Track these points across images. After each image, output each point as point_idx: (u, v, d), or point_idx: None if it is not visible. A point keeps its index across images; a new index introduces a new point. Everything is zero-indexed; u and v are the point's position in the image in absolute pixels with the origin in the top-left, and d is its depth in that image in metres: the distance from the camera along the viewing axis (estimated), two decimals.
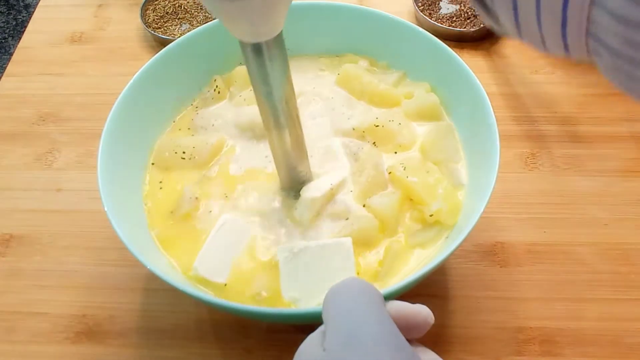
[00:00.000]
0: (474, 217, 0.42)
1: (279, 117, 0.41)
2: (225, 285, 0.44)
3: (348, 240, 0.44)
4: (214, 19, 0.61)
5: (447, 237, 0.46)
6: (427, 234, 0.47)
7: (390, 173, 0.49)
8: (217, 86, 0.56)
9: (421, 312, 0.32)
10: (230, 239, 0.46)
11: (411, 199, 0.48)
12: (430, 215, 0.46)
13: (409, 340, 0.32)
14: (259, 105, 0.40)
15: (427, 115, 0.53)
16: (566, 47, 0.23)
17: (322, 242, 0.45)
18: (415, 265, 0.46)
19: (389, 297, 0.38)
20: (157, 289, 0.55)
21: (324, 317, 0.30)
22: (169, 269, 0.46)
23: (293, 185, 0.48)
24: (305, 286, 0.43)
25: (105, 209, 0.43)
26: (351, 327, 0.28)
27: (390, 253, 0.46)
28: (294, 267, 0.43)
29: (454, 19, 0.75)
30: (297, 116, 0.42)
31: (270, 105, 0.40)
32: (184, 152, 0.51)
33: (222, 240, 0.46)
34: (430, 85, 0.55)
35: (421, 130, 0.53)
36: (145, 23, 0.76)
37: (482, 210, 0.42)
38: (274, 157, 0.45)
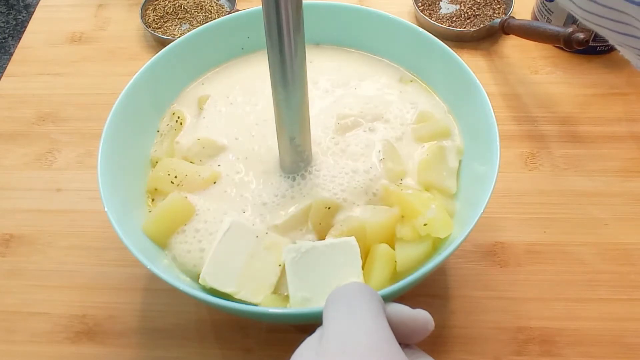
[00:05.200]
0: (474, 218, 0.41)
1: (287, 71, 0.40)
2: (236, 292, 0.44)
3: (352, 239, 0.44)
4: (213, 19, 0.61)
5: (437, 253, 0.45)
6: (418, 247, 0.45)
7: (384, 188, 0.48)
8: (178, 117, 0.54)
9: (421, 317, 0.31)
10: (237, 244, 0.46)
11: (403, 216, 0.47)
12: (425, 225, 0.45)
13: (408, 345, 0.32)
14: (269, 56, 0.40)
15: (435, 136, 0.52)
16: None
17: (329, 241, 0.45)
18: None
19: (388, 298, 0.38)
20: (157, 289, 0.55)
21: (323, 321, 0.31)
22: (169, 269, 0.46)
23: (292, 162, 0.47)
24: (315, 285, 0.43)
25: (105, 209, 0.43)
26: (346, 333, 0.28)
27: (376, 255, 0.45)
28: (302, 267, 0.43)
29: (454, 19, 0.75)
30: (305, 78, 0.42)
31: (280, 58, 0.39)
32: (175, 177, 0.50)
33: (228, 247, 0.45)
34: (447, 108, 0.54)
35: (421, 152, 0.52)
36: (145, 23, 0.76)
37: (482, 210, 0.42)
38: (276, 122, 0.45)
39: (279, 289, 0.45)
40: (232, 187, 0.50)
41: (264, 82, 0.56)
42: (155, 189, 0.50)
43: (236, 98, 0.56)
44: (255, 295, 0.44)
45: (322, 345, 0.29)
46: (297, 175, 0.49)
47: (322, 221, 0.47)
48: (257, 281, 0.45)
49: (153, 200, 0.50)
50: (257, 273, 0.45)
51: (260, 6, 0.56)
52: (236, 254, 0.45)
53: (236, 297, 0.44)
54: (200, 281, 0.44)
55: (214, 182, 0.50)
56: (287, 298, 0.44)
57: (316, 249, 0.44)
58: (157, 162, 0.52)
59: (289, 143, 0.46)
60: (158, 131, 0.54)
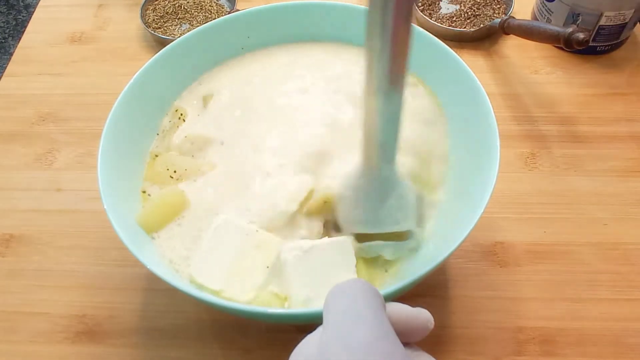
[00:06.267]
0: (474, 217, 0.41)
1: (382, 79, 0.36)
2: (222, 290, 0.44)
3: (348, 239, 0.45)
4: (213, 19, 0.61)
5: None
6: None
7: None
8: (181, 114, 0.55)
9: (421, 316, 0.31)
10: (226, 241, 0.46)
11: None
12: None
13: (408, 344, 0.32)
14: (366, 62, 0.36)
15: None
16: None
17: (327, 240, 0.45)
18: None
19: (388, 298, 0.38)
20: (157, 289, 0.55)
21: (323, 316, 0.31)
22: (169, 269, 0.46)
23: (377, 164, 0.44)
24: (316, 285, 0.43)
25: (105, 208, 0.43)
26: (346, 328, 0.28)
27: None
28: (305, 266, 0.43)
29: (454, 19, 0.75)
30: (404, 85, 0.37)
31: (379, 63, 0.35)
32: (174, 171, 0.50)
33: (217, 244, 0.45)
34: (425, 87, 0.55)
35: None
36: (145, 23, 0.76)
37: (482, 210, 0.42)
38: (364, 130, 0.41)
39: (266, 288, 0.45)
40: (229, 182, 0.50)
41: (263, 81, 0.57)
42: (153, 183, 0.51)
43: (238, 96, 0.56)
44: (242, 294, 0.44)
45: (322, 340, 0.29)
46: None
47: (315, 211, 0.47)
48: (244, 280, 0.44)
49: (148, 195, 0.51)
50: (244, 272, 0.45)
51: (260, 6, 0.57)
52: (225, 251, 0.45)
53: (222, 296, 0.44)
54: (189, 277, 0.44)
55: (211, 175, 0.50)
56: (277, 296, 0.44)
57: (317, 247, 0.44)
58: (156, 156, 0.52)
59: (378, 148, 0.42)
60: (158, 134, 0.54)
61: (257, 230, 0.46)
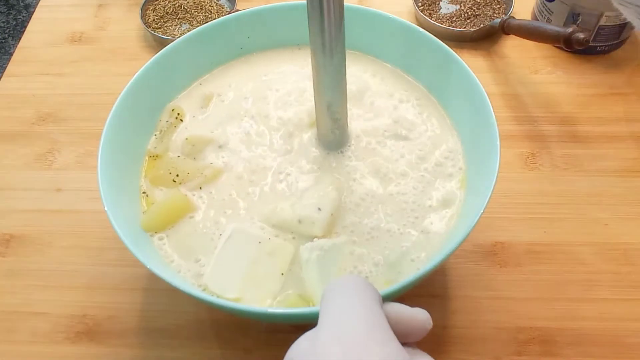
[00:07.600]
0: (474, 217, 0.41)
1: (325, 37, 0.41)
2: (238, 299, 0.44)
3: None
4: (213, 19, 0.61)
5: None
6: None
7: None
8: (178, 114, 0.55)
9: (419, 316, 0.31)
10: (239, 250, 0.45)
11: None
12: None
13: (406, 344, 0.32)
14: (309, 24, 0.41)
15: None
16: None
17: (345, 238, 0.45)
18: None
19: (388, 297, 0.38)
20: (157, 289, 0.55)
21: (319, 312, 0.31)
22: (169, 268, 0.46)
23: (328, 129, 0.48)
24: None
25: (105, 208, 0.43)
26: (340, 321, 0.29)
27: None
28: (328, 265, 0.44)
29: (454, 19, 0.75)
30: (343, 44, 0.43)
31: (320, 24, 0.40)
32: (177, 175, 0.50)
33: (230, 253, 0.45)
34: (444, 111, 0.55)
35: None
36: (145, 23, 0.76)
37: (482, 210, 0.42)
38: (314, 89, 0.46)
39: (283, 294, 0.45)
40: (234, 185, 0.50)
41: (262, 82, 0.57)
42: (155, 185, 0.51)
43: (238, 96, 0.56)
44: (258, 302, 0.44)
45: (317, 334, 0.29)
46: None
47: None
48: (260, 288, 0.44)
49: (147, 195, 0.50)
50: (259, 280, 0.45)
51: (260, 6, 0.57)
52: (238, 260, 0.45)
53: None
54: (202, 286, 0.44)
55: (216, 180, 0.50)
56: (302, 297, 0.44)
57: (336, 246, 0.44)
58: (155, 157, 0.52)
59: (326, 110, 0.47)
60: (156, 135, 0.54)
61: (269, 238, 0.46)
